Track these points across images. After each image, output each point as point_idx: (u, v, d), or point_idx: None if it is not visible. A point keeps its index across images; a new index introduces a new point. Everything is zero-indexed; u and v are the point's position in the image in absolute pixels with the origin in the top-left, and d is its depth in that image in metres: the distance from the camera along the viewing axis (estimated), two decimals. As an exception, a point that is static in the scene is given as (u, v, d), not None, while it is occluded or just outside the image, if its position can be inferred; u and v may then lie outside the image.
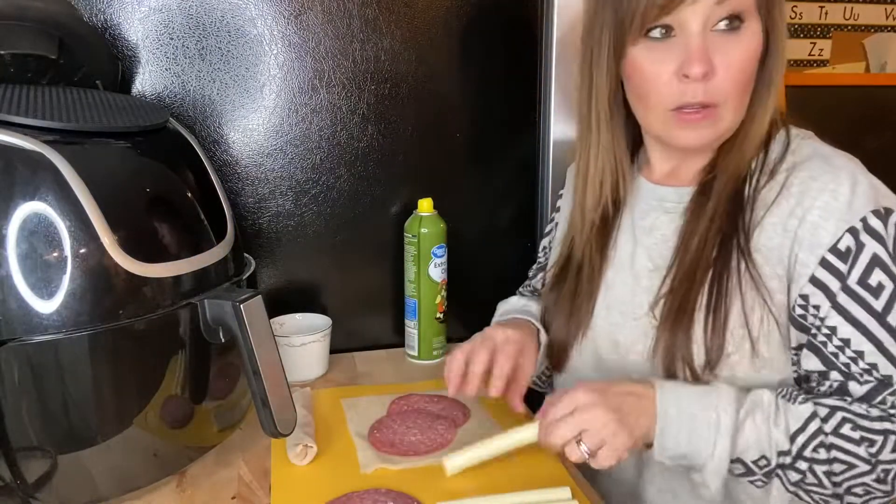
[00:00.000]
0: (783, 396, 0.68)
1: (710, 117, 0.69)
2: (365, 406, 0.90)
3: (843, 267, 0.66)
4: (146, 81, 0.98)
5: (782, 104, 0.75)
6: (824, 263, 0.67)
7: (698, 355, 0.71)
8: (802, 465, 0.66)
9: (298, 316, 1.06)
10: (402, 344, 1.12)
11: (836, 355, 0.67)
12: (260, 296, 0.70)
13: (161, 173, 0.73)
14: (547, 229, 1.01)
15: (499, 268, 1.19)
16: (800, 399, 0.67)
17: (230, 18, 0.99)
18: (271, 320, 0.72)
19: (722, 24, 0.66)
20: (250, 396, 0.70)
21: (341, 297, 1.12)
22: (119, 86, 0.94)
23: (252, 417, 0.76)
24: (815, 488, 0.67)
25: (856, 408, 0.66)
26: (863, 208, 0.66)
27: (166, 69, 0.98)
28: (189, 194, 0.74)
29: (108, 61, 0.91)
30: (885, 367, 0.65)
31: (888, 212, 0.66)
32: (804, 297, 0.68)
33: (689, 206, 0.76)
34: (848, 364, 0.67)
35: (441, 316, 1.07)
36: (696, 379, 0.71)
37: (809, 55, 2.10)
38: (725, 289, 0.70)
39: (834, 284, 0.67)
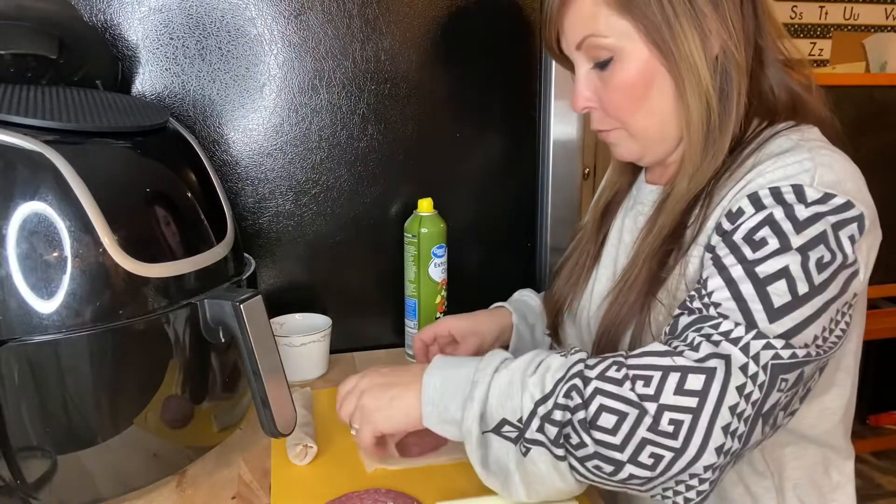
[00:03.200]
0: (559, 353, 0.63)
1: (618, 136, 0.75)
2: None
3: (728, 226, 0.63)
4: (146, 81, 0.98)
5: (811, 105, 0.72)
6: (717, 227, 0.65)
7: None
8: (558, 415, 0.57)
9: (298, 316, 1.06)
10: (402, 344, 1.12)
11: (692, 298, 0.62)
12: (260, 296, 0.70)
13: (161, 173, 0.73)
14: None
15: (499, 268, 1.19)
16: (573, 351, 0.62)
17: (230, 18, 0.99)
18: (271, 320, 0.72)
19: (595, 63, 0.71)
20: (250, 396, 0.70)
21: (341, 297, 1.12)
22: (119, 86, 0.94)
23: (252, 417, 0.76)
24: (581, 451, 0.56)
25: (637, 351, 0.60)
26: (781, 181, 0.62)
27: (166, 69, 0.98)
28: (189, 194, 0.74)
29: (108, 61, 0.91)
30: (727, 308, 0.58)
31: (826, 195, 0.60)
32: (700, 261, 0.67)
33: (649, 219, 0.75)
34: (693, 297, 0.62)
35: (441, 316, 1.07)
36: None
37: (809, 55, 2.11)
38: (650, 317, 0.70)
39: (719, 244, 0.63)
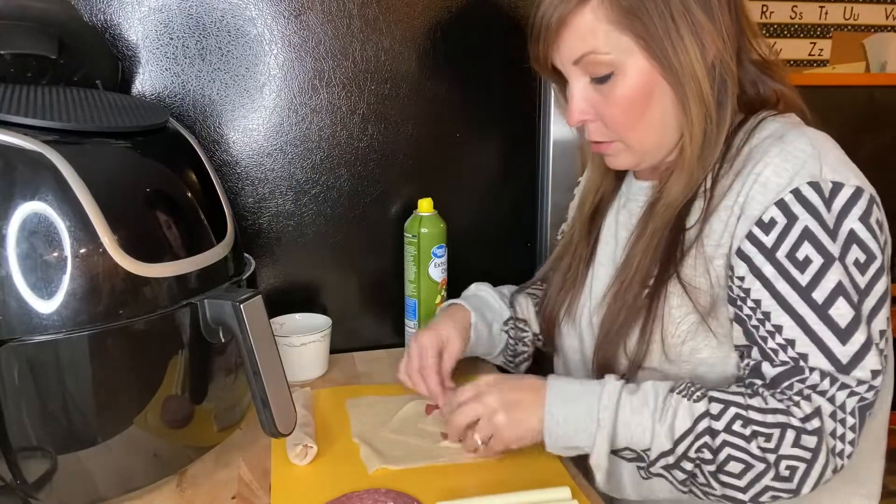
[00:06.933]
0: (680, 392, 0.67)
1: (614, 148, 0.75)
2: (368, 406, 0.90)
3: (766, 239, 0.66)
4: (146, 81, 0.98)
5: (793, 104, 0.75)
6: (750, 236, 0.67)
7: (622, 363, 0.75)
8: (687, 466, 0.66)
9: (298, 316, 1.06)
10: (402, 344, 1.12)
11: (756, 328, 0.67)
12: (260, 296, 0.70)
13: (161, 173, 0.73)
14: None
15: (499, 268, 1.18)
16: (696, 395, 0.66)
17: (230, 18, 0.99)
18: (271, 320, 0.72)
19: (593, 78, 0.71)
20: (250, 396, 0.70)
21: (341, 297, 1.12)
22: (119, 86, 0.94)
23: (252, 417, 0.76)
24: (706, 489, 0.66)
25: (754, 401, 0.65)
26: (799, 180, 0.65)
27: (166, 69, 0.98)
28: (189, 194, 0.74)
29: (108, 61, 0.91)
30: (802, 345, 0.64)
31: (836, 186, 0.65)
32: (731, 269, 0.69)
33: (640, 218, 0.77)
34: (765, 338, 0.66)
35: (441, 316, 1.07)
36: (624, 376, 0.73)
37: (809, 55, 2.11)
38: (657, 307, 0.72)
39: (758, 257, 0.66)
